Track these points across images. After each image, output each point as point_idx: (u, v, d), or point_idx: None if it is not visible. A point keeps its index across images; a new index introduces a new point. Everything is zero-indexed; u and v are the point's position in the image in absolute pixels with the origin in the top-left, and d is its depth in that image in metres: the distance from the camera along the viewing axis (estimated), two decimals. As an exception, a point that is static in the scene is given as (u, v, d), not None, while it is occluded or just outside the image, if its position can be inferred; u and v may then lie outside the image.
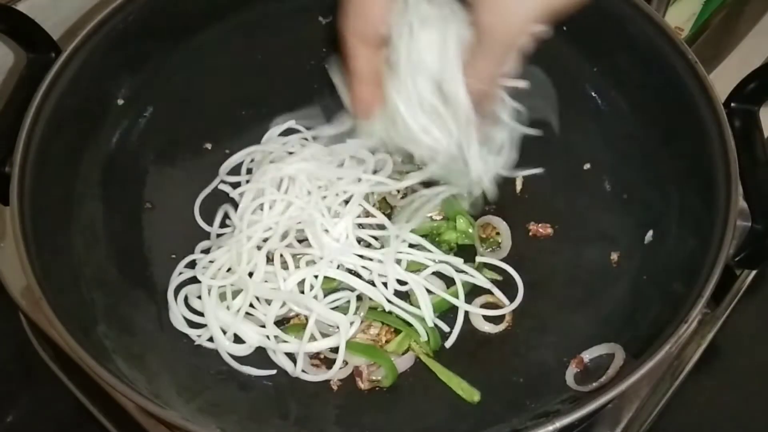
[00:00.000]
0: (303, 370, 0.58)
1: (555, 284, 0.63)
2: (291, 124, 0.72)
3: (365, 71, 0.51)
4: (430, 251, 0.64)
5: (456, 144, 0.53)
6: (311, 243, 0.63)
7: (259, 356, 0.60)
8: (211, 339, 0.59)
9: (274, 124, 0.72)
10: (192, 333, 0.60)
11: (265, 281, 0.61)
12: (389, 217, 0.66)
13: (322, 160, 0.67)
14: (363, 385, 0.58)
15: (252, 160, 0.70)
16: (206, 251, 0.64)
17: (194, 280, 0.62)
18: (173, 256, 0.64)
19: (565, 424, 0.46)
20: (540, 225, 0.66)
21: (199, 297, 0.61)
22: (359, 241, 0.65)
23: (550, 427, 0.46)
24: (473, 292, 0.63)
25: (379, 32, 0.49)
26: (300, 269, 0.62)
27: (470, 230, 0.65)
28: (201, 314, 0.60)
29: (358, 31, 0.49)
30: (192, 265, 0.63)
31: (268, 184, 0.65)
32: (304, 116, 0.72)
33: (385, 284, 0.62)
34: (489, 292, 0.63)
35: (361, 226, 0.66)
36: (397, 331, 0.61)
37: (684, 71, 0.58)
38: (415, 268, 0.63)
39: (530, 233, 0.66)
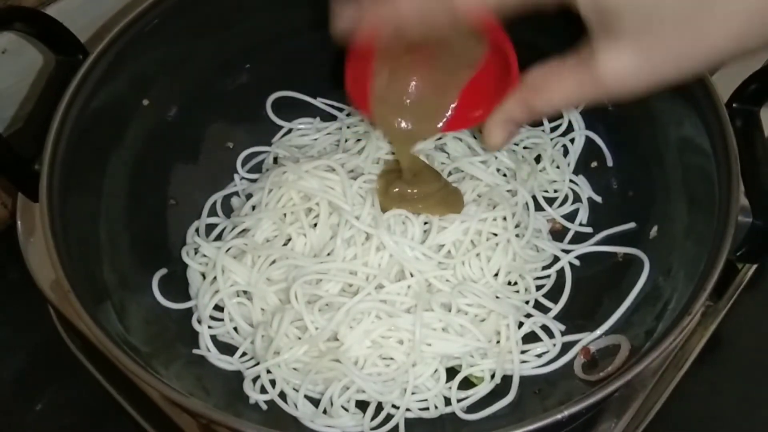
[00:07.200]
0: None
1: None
2: (310, 122, 0.71)
3: None
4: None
5: None
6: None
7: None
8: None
9: (294, 124, 0.71)
10: (215, 324, 0.59)
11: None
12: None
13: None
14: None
15: (276, 159, 0.68)
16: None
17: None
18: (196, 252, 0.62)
19: (573, 412, 0.45)
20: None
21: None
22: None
23: (559, 416, 0.45)
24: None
25: None
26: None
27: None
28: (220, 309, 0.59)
29: None
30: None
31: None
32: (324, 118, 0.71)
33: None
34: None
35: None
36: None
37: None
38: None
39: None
